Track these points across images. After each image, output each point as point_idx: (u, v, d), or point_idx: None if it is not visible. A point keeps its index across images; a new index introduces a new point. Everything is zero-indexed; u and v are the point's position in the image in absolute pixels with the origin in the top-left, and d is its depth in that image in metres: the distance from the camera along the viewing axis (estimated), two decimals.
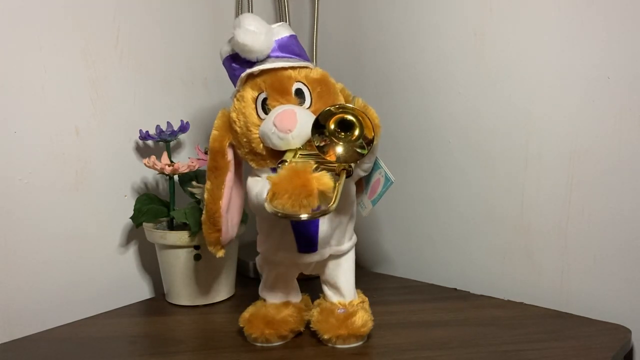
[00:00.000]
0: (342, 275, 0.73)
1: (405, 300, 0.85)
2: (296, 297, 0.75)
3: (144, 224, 0.85)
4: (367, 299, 0.75)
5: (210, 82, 1.00)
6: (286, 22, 1.02)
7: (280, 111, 0.66)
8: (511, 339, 0.71)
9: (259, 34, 0.67)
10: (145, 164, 0.84)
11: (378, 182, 0.75)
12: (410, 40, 0.92)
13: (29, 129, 0.79)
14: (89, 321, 0.82)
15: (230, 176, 0.71)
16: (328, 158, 0.63)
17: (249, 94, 0.69)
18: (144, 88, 0.91)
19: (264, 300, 0.74)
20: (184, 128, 0.88)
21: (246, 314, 0.73)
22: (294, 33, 0.73)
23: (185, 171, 0.85)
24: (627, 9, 0.72)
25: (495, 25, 0.83)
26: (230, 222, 0.73)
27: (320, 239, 0.70)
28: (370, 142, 0.62)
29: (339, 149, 0.63)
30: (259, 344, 0.71)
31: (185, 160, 0.88)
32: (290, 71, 0.69)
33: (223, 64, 0.73)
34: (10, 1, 0.76)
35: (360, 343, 0.71)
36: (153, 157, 0.84)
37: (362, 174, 0.73)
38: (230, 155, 0.71)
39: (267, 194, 0.60)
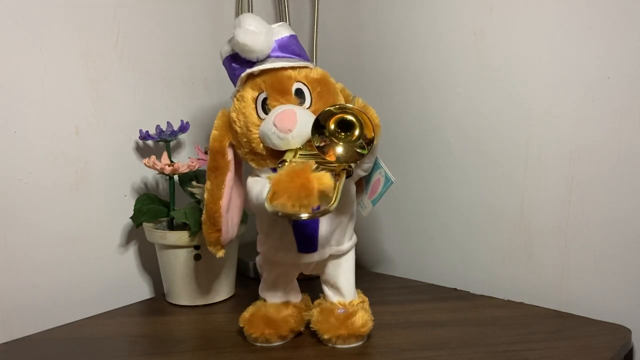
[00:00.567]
0: (342, 275, 0.73)
1: (405, 300, 0.85)
2: (296, 297, 0.75)
3: (144, 224, 0.85)
4: (367, 299, 0.75)
5: (210, 82, 1.00)
6: (286, 22, 1.02)
7: (280, 111, 0.66)
8: (511, 339, 0.71)
9: (259, 34, 0.67)
10: (145, 164, 0.84)
11: (378, 182, 0.75)
12: (410, 40, 0.92)
13: (29, 129, 0.79)
14: (89, 321, 0.82)
15: (230, 176, 0.71)
16: (328, 158, 0.63)
17: (249, 93, 0.69)
18: (144, 88, 0.91)
19: (264, 300, 0.74)
20: (184, 128, 0.88)
21: (246, 314, 0.73)
22: (294, 33, 0.73)
23: (185, 171, 0.85)
24: (627, 9, 0.72)
25: (495, 25, 0.83)
26: (230, 222, 0.73)
27: (320, 239, 0.70)
28: (370, 142, 0.62)
29: (339, 149, 0.63)
30: (259, 344, 0.71)
31: (185, 160, 0.88)
32: (290, 71, 0.69)
33: (223, 63, 0.73)
34: (10, 1, 0.76)
35: (360, 343, 0.71)
36: (153, 157, 0.84)
37: (362, 174, 0.73)
38: (230, 155, 0.71)
39: (267, 194, 0.60)
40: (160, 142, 0.89)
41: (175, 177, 0.87)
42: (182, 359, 0.69)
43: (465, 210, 0.89)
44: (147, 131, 0.87)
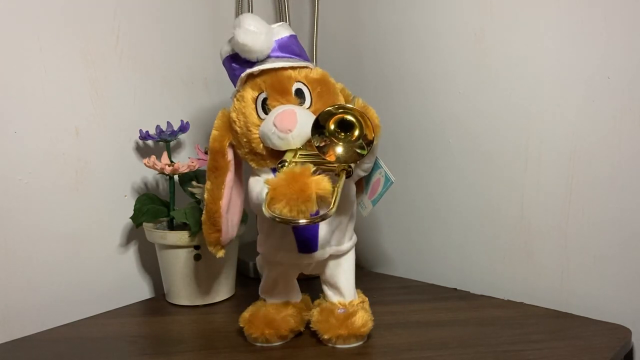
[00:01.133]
0: (342, 275, 0.73)
1: (405, 300, 0.85)
2: (296, 297, 0.75)
3: (144, 224, 0.85)
4: (367, 299, 0.75)
5: (210, 82, 1.00)
6: (286, 22, 1.02)
7: (280, 111, 0.66)
8: (511, 339, 0.71)
9: (259, 34, 0.67)
10: (145, 164, 0.84)
11: (378, 182, 0.75)
12: (411, 40, 0.92)
13: (29, 129, 0.79)
14: (89, 321, 0.82)
15: (230, 176, 0.71)
16: (328, 158, 0.63)
17: (249, 94, 0.69)
18: (144, 88, 0.91)
19: (264, 300, 0.74)
20: (184, 128, 0.88)
21: (246, 314, 0.73)
22: (294, 33, 0.73)
23: (185, 171, 0.85)
24: (627, 9, 0.72)
25: (495, 25, 0.83)
26: (230, 222, 0.73)
27: (320, 240, 0.69)
28: (370, 143, 0.62)
29: (339, 149, 0.63)
30: (259, 344, 0.71)
31: (185, 160, 0.88)
32: (290, 71, 0.69)
33: (223, 64, 0.73)
34: (10, 2, 0.76)
35: (360, 343, 0.71)
36: (153, 157, 0.84)
37: (362, 174, 0.73)
38: (230, 155, 0.71)
39: (265, 199, 0.59)
40: (160, 142, 0.89)
41: (175, 177, 0.87)
42: (182, 359, 0.69)
43: (465, 210, 0.89)
44: (147, 131, 0.87)
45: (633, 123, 0.73)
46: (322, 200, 0.58)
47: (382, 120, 0.71)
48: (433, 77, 0.90)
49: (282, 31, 0.71)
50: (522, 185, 0.83)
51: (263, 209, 0.60)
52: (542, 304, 0.80)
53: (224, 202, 0.70)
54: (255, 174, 0.71)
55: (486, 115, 0.85)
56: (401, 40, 0.93)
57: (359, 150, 0.63)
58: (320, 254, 0.70)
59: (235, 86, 0.72)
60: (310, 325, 0.72)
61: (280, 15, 1.05)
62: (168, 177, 0.86)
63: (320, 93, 0.69)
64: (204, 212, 0.72)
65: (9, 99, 0.77)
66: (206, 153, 0.84)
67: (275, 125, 0.65)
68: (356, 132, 0.62)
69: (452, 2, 0.87)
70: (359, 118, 0.62)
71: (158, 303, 0.88)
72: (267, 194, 0.59)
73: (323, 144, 0.63)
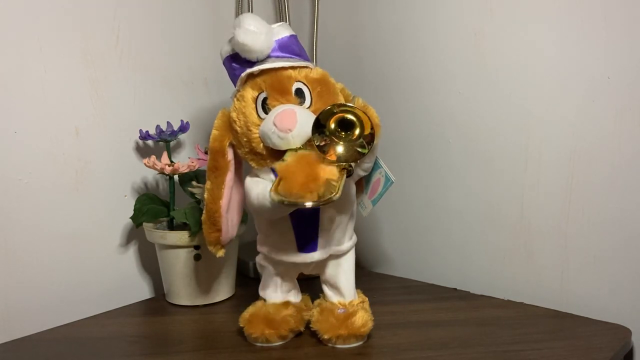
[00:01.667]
0: (342, 275, 0.73)
1: (405, 300, 0.85)
2: (296, 297, 0.75)
3: (144, 224, 0.85)
4: (367, 299, 0.75)
5: (210, 82, 1.00)
6: (286, 22, 1.02)
7: (280, 111, 0.66)
8: (511, 339, 0.71)
9: (259, 33, 0.67)
10: (145, 164, 0.84)
11: (378, 182, 0.75)
12: (410, 40, 0.92)
13: (29, 129, 0.79)
14: (89, 321, 0.82)
15: (230, 176, 0.71)
16: (328, 157, 0.63)
17: (249, 93, 0.69)
18: (144, 88, 0.91)
19: (264, 300, 0.74)
20: (184, 128, 0.88)
21: (246, 314, 0.73)
22: (294, 33, 0.73)
23: (185, 171, 0.85)
24: (627, 9, 0.72)
25: (495, 25, 0.83)
26: (230, 222, 0.73)
27: (320, 239, 0.70)
28: (370, 142, 0.62)
29: (340, 148, 0.63)
30: (259, 344, 0.71)
31: (185, 160, 0.88)
32: (290, 71, 0.69)
33: (223, 63, 0.73)
34: (11, 1, 0.76)
35: (360, 343, 0.71)
36: (153, 157, 0.84)
37: (362, 173, 0.73)
38: (230, 155, 0.71)
39: (274, 181, 0.60)
40: (160, 142, 0.89)
41: (175, 177, 0.87)
42: (182, 359, 0.69)
43: (465, 210, 0.89)
44: (147, 131, 0.87)
45: (633, 123, 0.73)
46: (328, 183, 0.59)
47: (382, 120, 0.71)
48: (433, 77, 0.90)
49: (282, 31, 0.71)
50: (522, 185, 0.83)
51: (271, 194, 0.60)
52: (542, 304, 0.80)
53: (224, 202, 0.70)
54: (254, 174, 0.71)
55: (486, 115, 0.85)
56: (401, 40, 0.93)
57: (359, 149, 0.63)
58: (320, 254, 0.70)
59: (235, 86, 0.72)
60: (310, 325, 0.72)
61: (280, 15, 1.05)
62: (168, 177, 0.86)
63: (320, 93, 0.69)
64: (204, 211, 0.72)
65: (9, 99, 0.77)
66: (206, 153, 0.84)
67: (275, 124, 0.65)
68: (357, 131, 0.63)
69: (452, 2, 0.87)
70: (360, 117, 0.62)
71: (158, 303, 0.88)
72: (277, 176, 0.60)
73: (323, 143, 0.63)
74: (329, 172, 0.60)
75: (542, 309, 0.79)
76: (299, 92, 0.69)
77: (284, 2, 1.03)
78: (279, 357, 0.69)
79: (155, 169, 0.84)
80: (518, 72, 0.81)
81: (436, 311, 0.80)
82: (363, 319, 0.70)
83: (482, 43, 0.84)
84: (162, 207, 0.86)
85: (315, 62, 1.02)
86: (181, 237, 0.82)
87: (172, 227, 0.86)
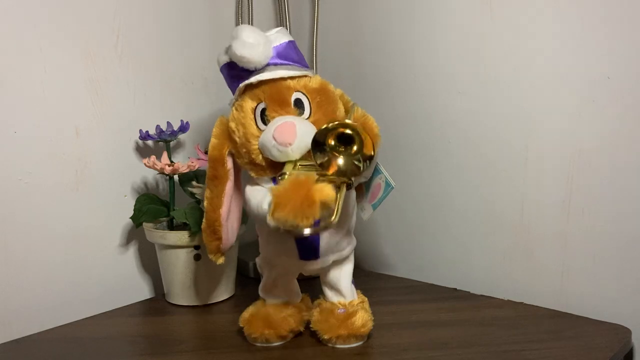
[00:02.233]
0: (342, 276, 0.73)
1: (405, 300, 0.85)
2: (296, 297, 0.75)
3: (144, 224, 0.85)
4: (367, 299, 0.75)
5: (210, 82, 1.00)
6: (286, 23, 1.02)
7: (280, 123, 0.65)
8: (511, 339, 0.71)
9: (256, 45, 0.67)
10: (145, 164, 0.84)
11: (379, 187, 0.75)
12: (410, 41, 0.92)
13: (29, 129, 0.79)
14: (89, 321, 0.82)
15: (230, 185, 0.70)
16: (330, 172, 0.62)
17: (248, 104, 0.68)
18: (144, 88, 0.91)
19: (264, 300, 0.74)
20: (184, 128, 0.88)
21: (246, 314, 0.73)
22: (292, 39, 0.72)
23: (185, 171, 0.85)
24: (627, 9, 0.72)
25: (495, 25, 0.83)
26: (230, 228, 0.73)
27: (322, 247, 0.69)
28: (369, 158, 0.62)
29: (340, 161, 0.62)
30: (259, 344, 0.71)
31: (185, 160, 0.88)
32: (289, 81, 0.68)
33: (220, 71, 0.73)
34: (11, 1, 0.76)
35: (360, 343, 0.71)
36: (153, 157, 0.84)
37: (363, 180, 0.73)
38: (229, 163, 0.71)
39: (270, 206, 0.59)
40: (160, 142, 0.89)
41: (175, 177, 0.87)
42: (182, 359, 0.69)
43: (465, 210, 0.89)
44: (147, 131, 0.87)
45: (633, 123, 0.73)
46: (325, 206, 0.58)
47: (382, 121, 0.71)
48: (433, 77, 0.90)
49: (280, 37, 0.70)
50: (522, 185, 0.83)
51: (267, 218, 0.59)
52: (542, 304, 0.80)
53: (223, 211, 0.70)
54: (254, 182, 0.70)
55: (486, 115, 0.85)
56: (401, 41, 0.93)
57: (357, 164, 0.62)
58: (322, 261, 0.70)
59: (233, 93, 0.72)
60: (310, 325, 0.72)
61: (280, 16, 1.05)
62: (168, 177, 0.86)
63: (320, 103, 0.69)
64: (204, 220, 0.71)
65: (9, 99, 0.77)
66: (206, 153, 0.84)
67: (274, 138, 0.65)
68: (355, 147, 0.62)
69: (452, 2, 0.87)
70: (358, 131, 0.61)
71: (158, 303, 0.88)
72: (271, 201, 0.59)
73: (326, 159, 0.62)
74: (325, 195, 0.58)
75: (542, 309, 0.79)
76: (298, 103, 0.68)
77: (284, 2, 1.03)
78: (279, 357, 0.69)
79: (155, 169, 0.84)
80: (518, 72, 0.81)
81: (436, 311, 0.80)
82: (363, 319, 0.70)
83: (482, 43, 0.84)
84: (162, 207, 0.86)
85: (315, 63, 1.02)
86: (181, 237, 0.82)
87: (172, 227, 0.86)
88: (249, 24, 0.99)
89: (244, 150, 0.68)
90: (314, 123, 0.67)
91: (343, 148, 0.62)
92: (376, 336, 0.72)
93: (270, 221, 0.58)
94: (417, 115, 0.93)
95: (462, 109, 0.88)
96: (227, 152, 0.70)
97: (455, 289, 0.88)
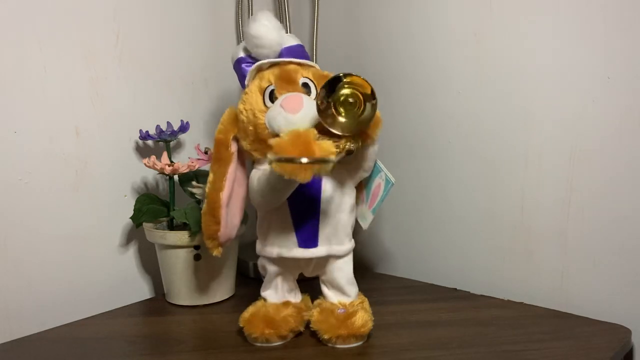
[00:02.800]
0: (342, 276, 0.73)
1: (405, 300, 0.85)
2: (296, 297, 0.75)
3: (144, 224, 0.86)
4: (367, 299, 0.75)
5: (210, 82, 1.00)
6: (286, 23, 1.03)
7: (288, 95, 0.68)
8: (511, 339, 0.71)
9: (272, 28, 0.71)
10: (145, 164, 0.84)
11: (379, 187, 0.75)
12: (410, 41, 0.92)
13: (29, 129, 0.79)
14: (89, 321, 0.82)
15: (232, 168, 0.72)
16: (328, 127, 0.65)
17: (257, 85, 0.71)
18: (144, 88, 0.91)
19: (264, 300, 0.74)
20: (184, 128, 0.88)
21: (246, 314, 0.73)
22: (301, 43, 0.76)
23: (185, 171, 0.85)
24: (627, 9, 0.72)
25: (495, 25, 0.83)
26: (230, 218, 0.73)
27: (320, 235, 0.70)
28: (372, 97, 0.65)
29: (342, 120, 0.65)
30: (259, 344, 0.71)
31: (185, 160, 0.88)
32: (297, 66, 0.72)
33: (234, 67, 0.76)
34: (11, 1, 0.76)
35: (360, 343, 0.71)
36: (153, 157, 0.84)
37: (364, 174, 0.74)
38: (233, 147, 0.73)
39: (269, 153, 0.61)
40: (160, 142, 0.89)
41: (175, 177, 0.87)
42: (182, 359, 0.69)
43: (465, 210, 0.89)
44: (147, 131, 0.87)
45: (633, 123, 0.73)
46: (321, 165, 0.60)
47: (382, 120, 0.71)
48: (433, 77, 0.90)
49: (290, 40, 0.75)
50: (522, 185, 0.83)
51: (267, 155, 0.61)
52: (542, 304, 0.81)
53: (224, 194, 0.71)
54: (258, 167, 0.72)
55: (486, 115, 0.85)
56: (401, 40, 0.93)
57: (368, 110, 0.65)
58: (320, 250, 0.70)
59: (244, 88, 0.74)
60: (310, 325, 0.72)
61: (280, 15, 1.05)
62: (168, 177, 0.86)
63: None
64: (204, 204, 0.73)
65: (9, 99, 0.77)
66: (206, 153, 0.85)
67: (282, 106, 0.67)
68: (361, 106, 0.65)
69: (451, 2, 0.87)
70: (364, 88, 0.65)
71: (158, 303, 0.88)
72: (272, 150, 0.61)
73: (324, 106, 0.64)
74: (324, 150, 0.61)
75: (542, 309, 0.79)
76: (305, 86, 0.72)
77: (284, 2, 1.03)
78: (279, 357, 0.69)
79: (155, 169, 0.84)
80: (518, 72, 0.81)
81: (436, 311, 0.80)
82: (363, 319, 0.70)
83: (482, 43, 0.84)
84: (162, 207, 0.86)
85: (315, 62, 1.02)
86: (181, 237, 0.82)
87: (172, 227, 0.86)
88: None
89: (251, 127, 0.70)
90: None
91: (342, 109, 0.65)
92: (376, 336, 0.72)
93: (270, 156, 0.61)
94: (417, 115, 0.93)
95: (462, 108, 0.88)
96: (231, 137, 0.73)
97: (455, 289, 0.88)
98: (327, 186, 0.70)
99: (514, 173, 0.83)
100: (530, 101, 0.81)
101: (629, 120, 0.73)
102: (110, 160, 0.88)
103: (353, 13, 0.99)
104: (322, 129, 0.66)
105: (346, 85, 0.65)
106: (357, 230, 0.76)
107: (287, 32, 0.80)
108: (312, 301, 0.76)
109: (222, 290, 0.87)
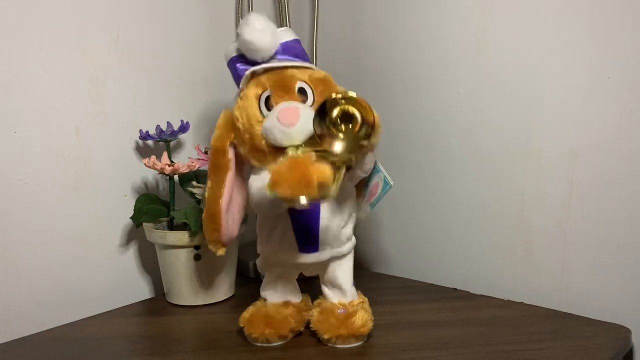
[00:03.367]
0: (342, 276, 0.73)
1: (405, 300, 0.85)
2: (296, 297, 0.75)
3: (144, 224, 0.85)
4: (367, 299, 0.75)
5: (210, 82, 1.00)
6: (286, 23, 1.03)
7: (284, 107, 0.67)
8: (511, 339, 0.71)
9: (265, 32, 0.68)
10: (145, 164, 0.84)
11: (377, 186, 0.75)
12: (410, 40, 0.92)
13: (29, 129, 0.79)
14: (89, 321, 0.82)
15: (230, 175, 0.71)
16: (327, 148, 0.63)
17: (253, 91, 0.70)
18: (144, 88, 0.91)
19: (264, 300, 0.74)
20: (184, 128, 0.88)
21: (246, 314, 0.73)
22: (297, 37, 0.74)
23: (185, 171, 0.85)
24: (627, 9, 0.72)
25: (495, 25, 0.83)
26: (230, 221, 0.73)
27: (320, 239, 0.70)
28: (370, 131, 0.62)
29: (339, 143, 0.63)
30: (259, 344, 0.71)
31: (185, 160, 0.88)
32: (293, 70, 0.70)
33: (228, 65, 0.74)
34: (11, 1, 0.76)
35: (360, 343, 0.71)
36: (153, 157, 0.84)
37: (363, 175, 0.73)
38: (231, 153, 0.71)
39: (268, 182, 0.60)
40: (160, 142, 0.89)
41: (175, 177, 0.87)
42: (182, 359, 0.69)
43: (465, 210, 0.89)
44: (147, 131, 0.87)
45: (633, 123, 0.73)
46: (322, 187, 0.59)
47: (382, 120, 0.71)
48: (433, 77, 0.90)
49: (286, 35, 0.72)
50: (522, 185, 0.83)
51: (266, 189, 0.60)
52: (542, 304, 0.80)
53: (224, 200, 0.70)
54: (256, 173, 0.71)
55: (486, 115, 0.85)
56: (401, 40, 0.93)
57: (362, 142, 0.63)
58: (321, 254, 0.70)
59: (238, 87, 0.72)
60: (310, 325, 0.72)
61: (280, 15, 1.05)
62: (168, 177, 0.86)
63: (323, 92, 0.70)
64: (204, 210, 0.72)
65: (8, 99, 0.77)
66: (206, 153, 0.85)
67: (278, 119, 0.66)
68: (357, 125, 0.62)
69: (452, 2, 0.87)
70: (362, 107, 0.62)
71: (158, 303, 0.88)
72: (269, 177, 0.60)
73: (321, 132, 0.63)
74: (323, 175, 0.59)
75: (542, 309, 0.79)
76: (302, 91, 0.70)
77: (284, 2, 1.03)
78: (279, 357, 0.69)
79: (155, 169, 0.84)
80: (518, 72, 0.81)
81: (436, 311, 0.80)
82: (363, 319, 0.70)
83: (482, 43, 0.84)
84: (162, 207, 0.86)
85: (315, 62, 1.02)
86: (181, 237, 0.82)
87: (172, 227, 0.86)
88: None
89: (247, 136, 0.69)
90: None
91: (343, 127, 0.63)
92: (376, 336, 0.72)
93: (268, 193, 0.60)
94: (417, 115, 0.93)
95: (462, 108, 0.88)
96: (228, 143, 0.71)
97: (455, 289, 0.88)
98: None
99: (514, 172, 0.83)
100: (530, 101, 0.81)
101: (628, 120, 0.73)
102: (110, 160, 0.88)
103: (353, 13, 0.99)
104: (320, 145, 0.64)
105: (336, 106, 0.62)
106: (357, 230, 0.76)
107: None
108: (312, 301, 0.76)
109: (222, 290, 0.87)
